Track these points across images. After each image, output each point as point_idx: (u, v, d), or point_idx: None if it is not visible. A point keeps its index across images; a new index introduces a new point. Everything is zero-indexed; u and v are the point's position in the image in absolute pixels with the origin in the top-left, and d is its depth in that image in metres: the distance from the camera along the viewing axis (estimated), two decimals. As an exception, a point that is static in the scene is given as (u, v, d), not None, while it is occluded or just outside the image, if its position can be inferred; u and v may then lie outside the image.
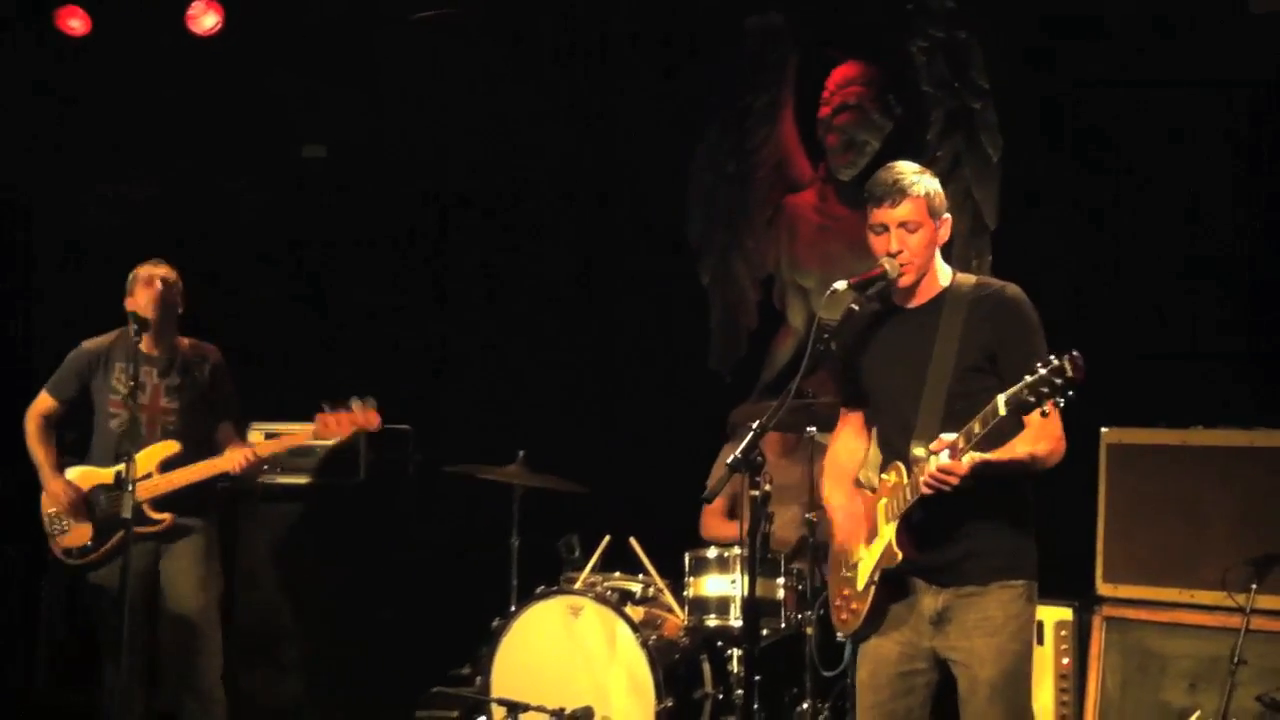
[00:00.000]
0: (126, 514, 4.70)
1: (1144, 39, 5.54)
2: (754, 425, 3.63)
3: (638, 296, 6.81)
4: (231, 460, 5.18)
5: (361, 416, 5.20)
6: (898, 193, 3.55)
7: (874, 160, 6.29)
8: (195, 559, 5.25)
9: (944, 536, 3.55)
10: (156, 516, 5.16)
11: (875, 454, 3.87)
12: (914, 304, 3.68)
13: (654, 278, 6.79)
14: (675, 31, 6.67)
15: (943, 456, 3.36)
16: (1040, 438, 3.49)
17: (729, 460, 3.62)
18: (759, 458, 3.66)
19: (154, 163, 6.79)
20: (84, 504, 5.21)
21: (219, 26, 6.46)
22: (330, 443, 5.44)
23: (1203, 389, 5.23)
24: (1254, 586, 4.62)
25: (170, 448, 5.21)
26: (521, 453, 5.64)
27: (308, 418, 5.73)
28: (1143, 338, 5.45)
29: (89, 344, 5.30)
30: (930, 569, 3.60)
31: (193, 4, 6.44)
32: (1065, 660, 5.01)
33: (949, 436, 3.38)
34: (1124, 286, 5.63)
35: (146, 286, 5.23)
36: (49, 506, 5.22)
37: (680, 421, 6.38)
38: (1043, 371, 3.19)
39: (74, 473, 5.24)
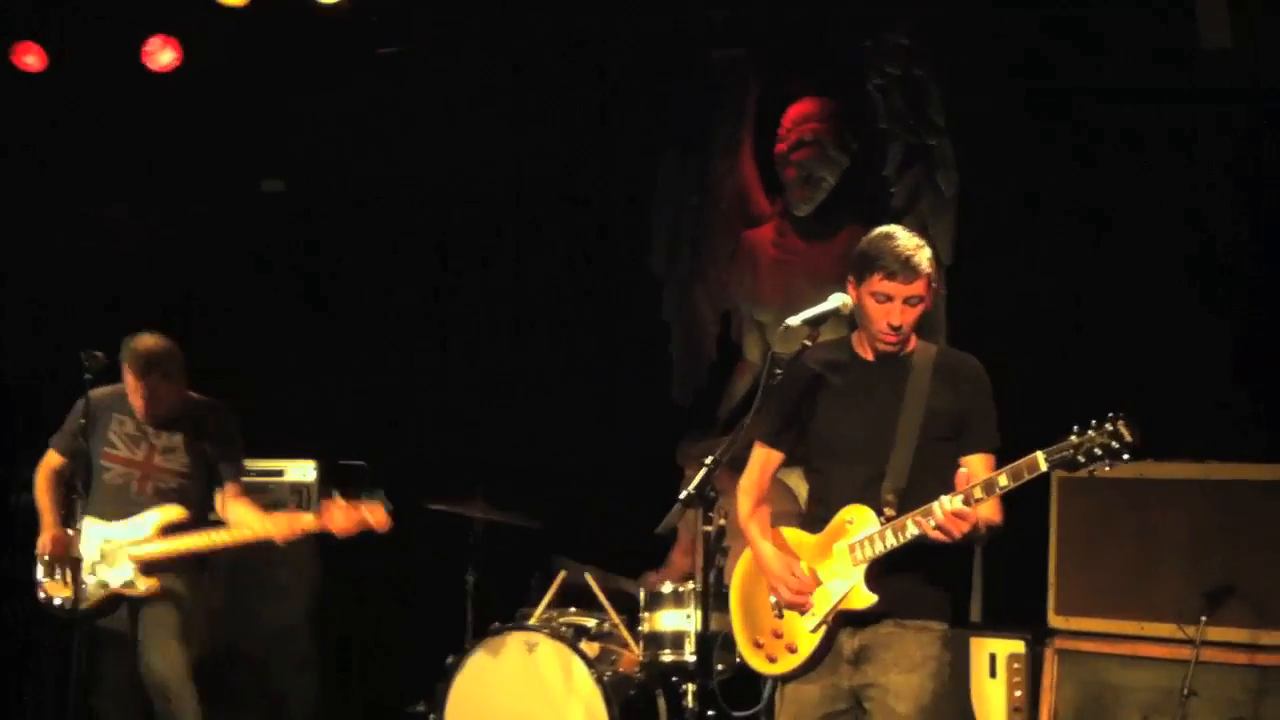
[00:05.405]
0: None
1: (1133, 55, 5.58)
2: (708, 460, 3.64)
3: (598, 327, 6.81)
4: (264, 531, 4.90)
5: (370, 517, 4.86)
6: (912, 270, 3.56)
7: (830, 196, 6.33)
8: (169, 628, 4.93)
9: (884, 578, 3.58)
10: (143, 583, 4.90)
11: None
12: (880, 358, 3.70)
13: (615, 308, 6.79)
14: (637, 63, 6.68)
15: (955, 501, 3.39)
16: (998, 507, 3.53)
17: (681, 495, 3.63)
18: (712, 492, 3.65)
19: (121, 187, 6.75)
20: (73, 558, 4.88)
21: (176, 63, 6.43)
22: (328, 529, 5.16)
23: (1184, 417, 5.17)
24: (1204, 619, 4.66)
25: (174, 513, 4.97)
26: (479, 487, 5.63)
27: (260, 452, 5.68)
28: (1112, 368, 5.44)
29: (94, 393, 4.92)
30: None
31: (149, 40, 6.42)
32: (1018, 693, 5.01)
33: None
34: (1092, 318, 5.64)
35: (137, 380, 4.95)
36: (41, 552, 5.00)
37: (639, 455, 6.38)
38: (1093, 434, 3.21)
39: (86, 524, 4.95)
